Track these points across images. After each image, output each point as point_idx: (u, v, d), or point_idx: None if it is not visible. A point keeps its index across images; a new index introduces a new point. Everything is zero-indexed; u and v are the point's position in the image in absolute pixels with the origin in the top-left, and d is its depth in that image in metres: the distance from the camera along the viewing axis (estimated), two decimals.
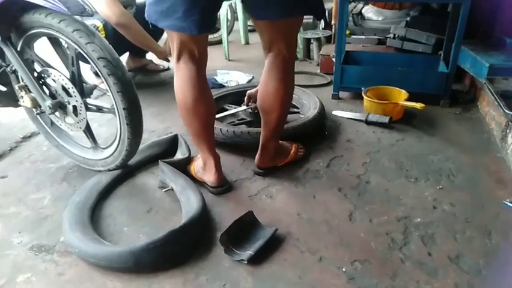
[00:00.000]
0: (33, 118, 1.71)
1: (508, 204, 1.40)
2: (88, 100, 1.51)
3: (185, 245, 1.23)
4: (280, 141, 1.65)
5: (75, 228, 1.25)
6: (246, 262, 1.16)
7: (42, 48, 1.62)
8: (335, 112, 2.17)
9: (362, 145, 1.84)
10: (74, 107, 1.49)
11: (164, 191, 1.50)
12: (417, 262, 1.16)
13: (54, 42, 1.52)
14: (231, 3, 3.56)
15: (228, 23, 3.37)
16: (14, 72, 1.54)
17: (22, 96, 1.52)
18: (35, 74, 1.48)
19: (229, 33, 3.45)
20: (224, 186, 1.51)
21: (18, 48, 1.47)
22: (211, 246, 1.24)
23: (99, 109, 1.52)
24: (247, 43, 3.91)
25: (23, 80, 1.50)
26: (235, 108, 2.09)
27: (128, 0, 2.46)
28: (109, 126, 2.05)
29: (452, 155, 1.72)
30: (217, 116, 2.00)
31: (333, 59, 2.39)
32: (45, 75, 1.48)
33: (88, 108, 1.50)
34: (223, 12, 3.28)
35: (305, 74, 2.88)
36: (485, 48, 2.14)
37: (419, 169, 1.63)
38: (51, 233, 1.32)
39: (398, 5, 2.98)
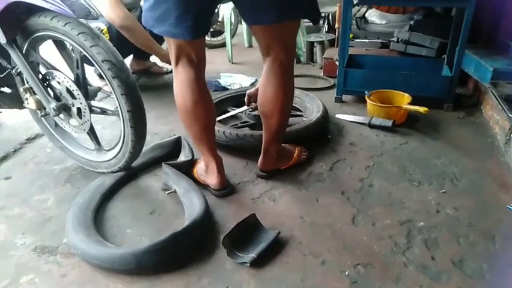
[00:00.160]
0: (37, 120, 1.73)
1: None
2: (92, 102, 1.51)
3: (188, 248, 1.23)
4: (283, 144, 1.65)
5: (78, 229, 1.25)
6: (248, 265, 1.16)
7: (48, 50, 1.63)
8: (338, 115, 2.17)
9: (365, 148, 1.83)
10: (79, 109, 1.50)
11: (167, 193, 1.50)
12: (421, 266, 1.16)
13: (60, 44, 1.53)
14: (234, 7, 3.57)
15: (232, 26, 3.38)
16: (19, 74, 1.55)
17: (27, 98, 1.53)
18: (40, 76, 1.49)
19: (232, 36, 3.46)
20: (227, 189, 1.51)
21: (24, 51, 1.48)
22: (213, 248, 1.24)
23: (103, 111, 1.53)
24: (250, 46, 3.92)
25: (28, 82, 1.51)
26: (237, 111, 2.09)
27: (132, 2, 2.48)
28: (113, 129, 2.06)
29: (455, 159, 1.72)
30: (219, 118, 2.01)
31: (337, 63, 2.39)
32: (50, 78, 1.49)
33: (92, 111, 1.51)
34: (227, 15, 3.29)
35: (308, 77, 2.89)
36: (489, 52, 2.13)
37: (422, 173, 1.62)
38: (54, 235, 1.32)
39: (401, 8, 2.98)
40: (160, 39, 2.61)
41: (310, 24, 3.41)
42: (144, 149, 1.61)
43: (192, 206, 1.34)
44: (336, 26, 3.10)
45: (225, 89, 2.63)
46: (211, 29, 3.59)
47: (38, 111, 1.56)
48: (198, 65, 1.32)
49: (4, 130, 2.12)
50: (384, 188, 1.53)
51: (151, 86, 2.79)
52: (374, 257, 1.20)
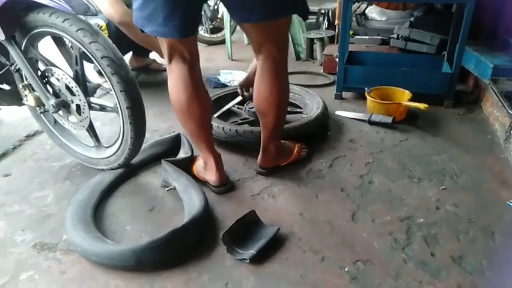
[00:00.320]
0: (36, 117, 1.72)
1: None
2: (91, 99, 1.51)
3: (188, 244, 1.23)
4: (282, 141, 1.65)
5: (78, 226, 1.25)
6: (248, 261, 1.16)
7: (46, 47, 1.63)
8: (338, 112, 2.17)
9: (365, 145, 1.83)
10: (78, 105, 1.49)
11: (167, 190, 1.50)
12: (420, 262, 1.16)
13: (58, 41, 1.52)
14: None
15: (231, 23, 3.37)
16: (18, 71, 1.55)
17: (26, 95, 1.53)
18: (39, 73, 1.49)
19: (232, 33, 3.45)
20: (226, 186, 1.51)
21: (23, 47, 1.48)
22: (213, 245, 1.24)
23: (102, 108, 1.53)
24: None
25: (27, 79, 1.51)
26: (233, 103, 2.11)
27: None
28: (112, 125, 2.05)
29: (455, 156, 1.72)
30: (217, 114, 2.01)
31: (337, 59, 2.39)
32: (49, 74, 1.49)
33: (91, 107, 1.50)
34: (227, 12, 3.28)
35: (308, 74, 2.88)
36: (489, 49, 2.13)
37: (422, 169, 1.62)
38: (54, 231, 1.32)
39: (401, 5, 2.97)
40: None
41: (311, 20, 3.43)
42: (143, 145, 1.60)
43: (192, 202, 1.34)
44: (336, 22, 3.09)
45: (224, 85, 2.62)
46: (211, 26, 3.58)
47: (37, 108, 1.56)
48: (191, 62, 1.32)
49: (3, 127, 2.11)
50: (384, 184, 1.53)
51: (150, 82, 2.79)
52: (374, 253, 1.20)
